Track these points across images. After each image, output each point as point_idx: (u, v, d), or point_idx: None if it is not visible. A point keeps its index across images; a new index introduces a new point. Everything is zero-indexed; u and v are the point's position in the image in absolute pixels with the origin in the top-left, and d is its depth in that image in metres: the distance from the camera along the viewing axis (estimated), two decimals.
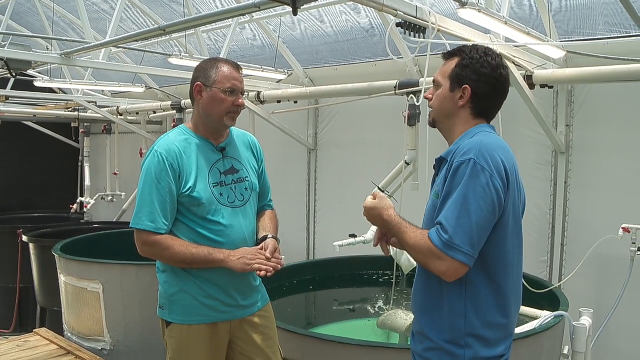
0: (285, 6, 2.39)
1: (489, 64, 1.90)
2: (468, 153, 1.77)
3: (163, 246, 2.32)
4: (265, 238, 2.48)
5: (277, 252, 2.44)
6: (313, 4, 4.84)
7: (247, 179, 2.53)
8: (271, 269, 2.35)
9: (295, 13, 2.28)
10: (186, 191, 2.35)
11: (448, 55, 2.00)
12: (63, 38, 6.28)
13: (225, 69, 2.43)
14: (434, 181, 2.03)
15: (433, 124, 2.05)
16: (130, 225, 2.37)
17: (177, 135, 2.46)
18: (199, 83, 2.43)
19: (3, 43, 4.39)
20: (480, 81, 1.90)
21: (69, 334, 4.81)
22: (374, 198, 1.97)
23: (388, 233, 1.96)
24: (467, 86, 1.90)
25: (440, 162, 1.97)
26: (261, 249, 2.42)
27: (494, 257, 1.83)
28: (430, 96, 2.03)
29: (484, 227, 1.74)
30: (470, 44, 3.00)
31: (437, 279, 1.85)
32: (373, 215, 1.95)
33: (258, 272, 2.34)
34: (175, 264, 2.38)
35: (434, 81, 2.02)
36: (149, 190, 2.32)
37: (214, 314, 2.41)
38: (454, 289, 1.83)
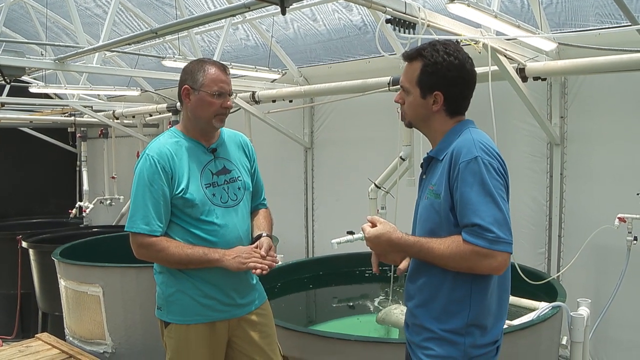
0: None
1: (454, 66, 1.89)
2: (470, 152, 1.79)
3: (158, 248, 2.33)
4: (259, 236, 2.50)
5: (272, 250, 2.45)
6: (302, 3, 4.87)
7: (239, 178, 2.54)
8: (266, 267, 2.36)
9: (283, 12, 2.29)
10: (179, 193, 2.36)
11: (408, 58, 1.98)
12: (56, 43, 6.28)
13: (213, 71, 2.42)
14: (421, 179, 2.05)
15: (409, 125, 2.08)
16: (125, 229, 2.39)
17: (168, 138, 2.47)
18: (186, 86, 2.44)
19: None
20: (450, 85, 1.91)
21: (71, 338, 4.83)
22: (372, 225, 1.93)
23: (395, 255, 1.95)
24: (439, 92, 1.91)
25: (429, 161, 1.99)
26: (256, 247, 2.43)
27: None
28: (401, 100, 2.02)
29: (509, 213, 1.80)
30: (457, 38, 3.02)
31: (440, 272, 1.86)
32: (380, 242, 1.90)
33: (253, 271, 2.36)
34: (172, 265, 2.40)
35: (401, 86, 2.01)
36: (142, 194, 2.34)
37: (211, 313, 2.42)
38: (461, 279, 1.85)
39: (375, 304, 4.09)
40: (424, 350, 1.91)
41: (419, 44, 2.83)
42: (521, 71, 3.91)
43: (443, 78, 1.90)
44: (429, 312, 1.91)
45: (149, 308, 2.71)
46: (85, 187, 8.56)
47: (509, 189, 1.89)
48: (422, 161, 2.05)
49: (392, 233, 1.88)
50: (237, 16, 4.95)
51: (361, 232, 1.98)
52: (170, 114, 6.70)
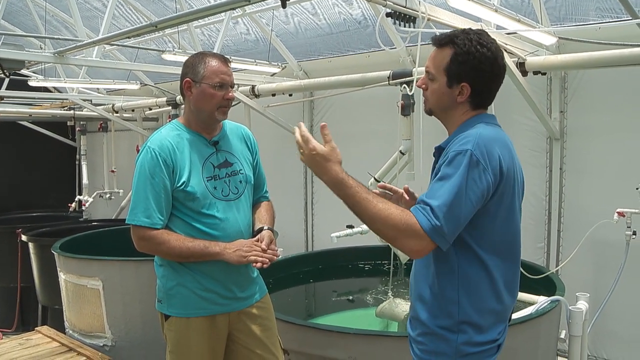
0: None
1: (487, 59, 1.83)
2: (466, 144, 1.74)
3: (159, 241, 2.34)
4: (260, 230, 2.50)
5: (273, 243, 2.45)
6: None
7: (241, 171, 2.54)
8: (267, 260, 2.36)
9: (284, 6, 2.29)
10: (180, 186, 2.36)
11: (439, 44, 1.90)
12: (55, 37, 6.27)
13: (214, 63, 2.42)
14: (433, 168, 2.00)
15: (430, 113, 2.01)
16: (126, 222, 2.39)
17: (170, 130, 2.47)
18: (187, 79, 2.43)
19: None
20: (479, 77, 1.84)
21: (71, 331, 4.84)
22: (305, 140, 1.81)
23: (322, 177, 1.82)
24: (466, 84, 1.85)
25: (439, 151, 1.94)
26: (257, 240, 2.43)
27: (489, 245, 1.82)
28: (424, 86, 1.95)
29: (467, 218, 1.73)
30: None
31: (433, 267, 1.86)
32: (318, 163, 1.81)
33: (254, 264, 2.36)
34: (172, 258, 2.40)
35: (427, 72, 1.94)
36: (144, 186, 2.34)
37: (211, 306, 2.43)
38: (447, 276, 1.83)
39: (374, 297, 4.10)
40: (418, 345, 1.91)
41: (419, 38, 2.86)
42: (521, 65, 3.91)
43: (473, 70, 1.83)
44: (423, 306, 1.91)
45: (149, 301, 2.72)
46: (85, 180, 8.55)
47: (509, 191, 1.82)
48: (434, 151, 1.98)
49: (335, 164, 1.80)
50: (237, 10, 4.94)
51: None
52: (170, 107, 6.69)
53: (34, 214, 8.89)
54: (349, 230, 4.04)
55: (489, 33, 2.52)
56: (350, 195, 1.77)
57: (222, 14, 4.91)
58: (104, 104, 7.84)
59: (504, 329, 1.94)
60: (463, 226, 1.73)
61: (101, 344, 4.52)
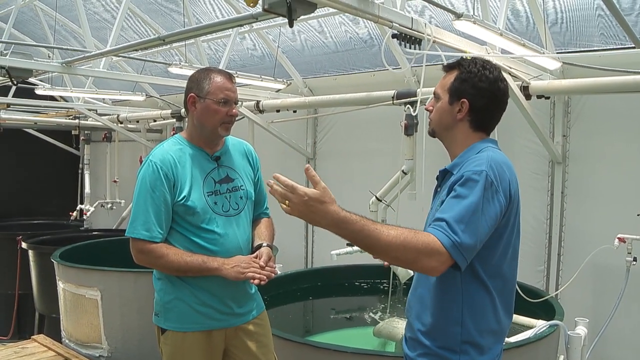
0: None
1: (487, 78, 1.91)
2: (480, 165, 1.78)
3: (157, 254, 2.34)
4: (260, 246, 2.50)
5: (272, 260, 2.45)
6: (309, 15, 4.92)
7: (242, 187, 2.54)
8: (265, 277, 2.35)
9: (291, 25, 2.31)
10: (180, 200, 2.36)
11: (447, 68, 2.01)
12: (64, 47, 6.32)
13: (218, 79, 2.43)
14: (435, 192, 2.03)
15: (433, 134, 2.07)
16: (125, 234, 2.40)
17: (172, 144, 2.48)
18: (192, 94, 2.44)
19: (5, 51, 4.43)
20: (478, 95, 1.92)
21: (67, 341, 4.82)
22: (290, 189, 1.68)
23: (320, 223, 1.72)
24: (465, 100, 1.92)
25: (444, 174, 1.98)
26: (255, 257, 2.43)
27: (492, 268, 1.85)
28: (431, 108, 2.03)
29: (484, 238, 1.75)
30: (468, 55, 3.05)
31: (435, 287, 1.87)
32: (312, 208, 1.68)
33: (252, 281, 2.35)
34: (170, 272, 2.40)
35: (434, 93, 2.03)
36: (144, 200, 2.34)
37: (208, 321, 2.42)
38: (451, 297, 1.85)
39: (373, 316, 4.08)
40: None
41: (424, 60, 2.88)
42: (525, 89, 3.94)
43: (473, 87, 1.91)
44: (423, 326, 1.91)
45: (147, 313, 2.72)
46: (87, 190, 8.56)
47: (514, 215, 1.86)
48: (438, 173, 2.02)
49: (332, 204, 1.70)
50: (244, 26, 4.98)
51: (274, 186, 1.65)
52: (174, 120, 6.73)
53: (35, 222, 8.91)
54: (349, 249, 4.04)
55: (495, 57, 2.54)
56: (358, 230, 1.69)
57: (230, 29, 4.96)
58: (109, 114, 7.88)
59: (501, 351, 1.95)
60: (480, 245, 1.74)
61: (97, 355, 4.51)
